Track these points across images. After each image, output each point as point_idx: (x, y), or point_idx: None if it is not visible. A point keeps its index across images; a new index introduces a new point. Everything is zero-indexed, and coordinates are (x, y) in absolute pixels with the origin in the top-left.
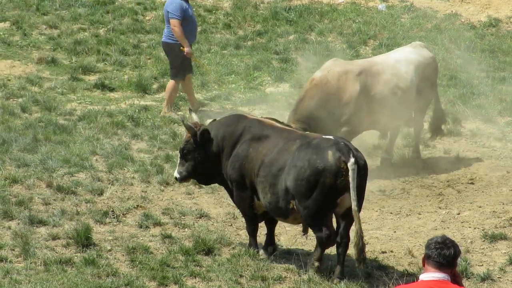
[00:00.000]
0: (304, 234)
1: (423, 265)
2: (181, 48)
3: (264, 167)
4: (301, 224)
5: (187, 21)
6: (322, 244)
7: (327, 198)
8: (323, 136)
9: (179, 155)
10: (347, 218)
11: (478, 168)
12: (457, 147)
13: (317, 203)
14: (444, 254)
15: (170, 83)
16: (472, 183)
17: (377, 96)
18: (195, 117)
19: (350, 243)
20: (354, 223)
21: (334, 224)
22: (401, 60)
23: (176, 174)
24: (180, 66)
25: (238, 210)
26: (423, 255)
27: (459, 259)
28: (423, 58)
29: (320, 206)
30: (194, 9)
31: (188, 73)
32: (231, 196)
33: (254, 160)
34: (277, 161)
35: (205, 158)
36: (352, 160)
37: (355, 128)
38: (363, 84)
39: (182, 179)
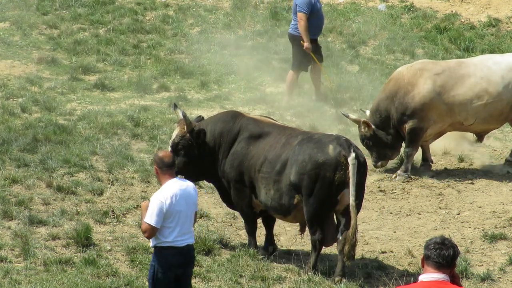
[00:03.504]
0: (300, 234)
1: (422, 266)
2: (302, 42)
3: (267, 163)
4: (298, 223)
5: (314, 15)
6: (315, 247)
7: (328, 193)
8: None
9: (171, 149)
10: (347, 215)
11: (478, 168)
12: (458, 147)
13: (319, 200)
14: (443, 254)
15: (290, 73)
16: (472, 183)
17: (458, 98)
18: (180, 113)
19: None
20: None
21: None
22: (500, 64)
23: None
24: (301, 58)
25: (231, 209)
26: (422, 256)
27: (458, 260)
28: None
29: (321, 203)
30: (194, 9)
31: (312, 64)
32: (222, 195)
33: (255, 157)
34: (280, 157)
35: (199, 154)
36: (352, 155)
37: (422, 124)
38: (440, 83)
39: None
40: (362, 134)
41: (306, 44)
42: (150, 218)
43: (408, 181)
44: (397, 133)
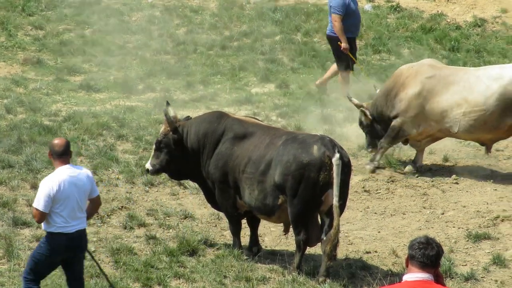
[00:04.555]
0: (285, 234)
1: (407, 266)
2: (339, 42)
3: (251, 164)
4: (282, 224)
5: (349, 15)
6: (300, 247)
7: (312, 194)
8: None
9: (154, 147)
10: (331, 215)
11: (462, 168)
12: (442, 147)
13: (303, 200)
14: (427, 254)
15: (339, 76)
16: (457, 183)
17: (440, 104)
18: (172, 111)
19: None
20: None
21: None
22: (490, 74)
23: (148, 166)
24: (344, 58)
25: (216, 209)
26: (406, 255)
27: (442, 259)
28: None
29: (306, 204)
30: (180, 9)
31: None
32: (206, 195)
33: (239, 157)
34: (264, 157)
35: (182, 154)
36: (337, 155)
37: (405, 127)
38: (428, 88)
39: (154, 171)
40: (360, 119)
41: (343, 45)
42: (38, 202)
43: (392, 181)
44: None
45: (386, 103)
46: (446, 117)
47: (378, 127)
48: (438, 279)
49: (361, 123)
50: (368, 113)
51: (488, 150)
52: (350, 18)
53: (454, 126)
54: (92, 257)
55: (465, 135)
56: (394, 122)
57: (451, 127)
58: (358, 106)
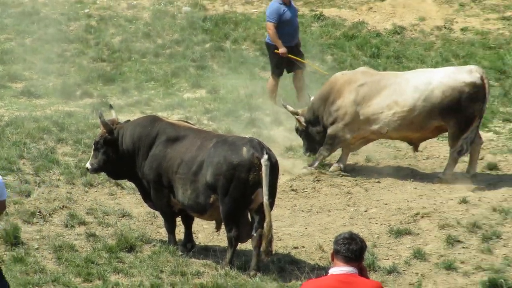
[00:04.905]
0: (217, 231)
1: (332, 260)
2: (276, 50)
3: (184, 165)
4: (214, 221)
5: (284, 24)
6: (231, 243)
7: (242, 193)
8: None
9: (92, 148)
10: (261, 213)
11: (384, 168)
12: (364, 148)
13: (234, 199)
14: (352, 249)
15: (269, 80)
16: (379, 182)
17: (372, 107)
18: (114, 114)
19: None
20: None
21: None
22: (419, 76)
23: (88, 165)
24: (275, 65)
25: (152, 208)
26: (332, 250)
27: (365, 254)
28: (453, 81)
29: (236, 202)
30: (115, 19)
31: (290, 71)
32: (143, 195)
33: (172, 159)
34: (196, 159)
35: (118, 155)
36: (265, 156)
37: (342, 133)
38: (362, 94)
39: (93, 170)
40: (296, 126)
41: (281, 50)
42: None
43: (317, 180)
44: (325, 132)
45: (324, 109)
46: (378, 119)
47: (313, 129)
48: (362, 272)
49: (297, 130)
50: (302, 120)
51: (415, 149)
52: (285, 27)
53: (385, 126)
54: None
55: (394, 134)
56: (330, 131)
57: (381, 128)
58: (293, 113)
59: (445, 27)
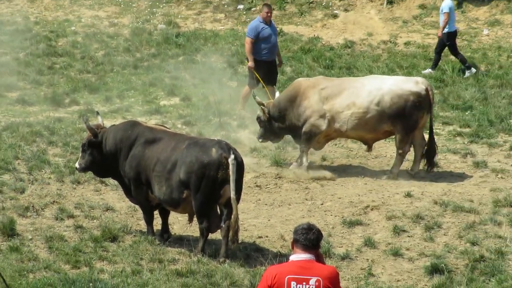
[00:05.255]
0: (189, 223)
1: (292, 248)
2: (246, 61)
3: (159, 164)
4: (187, 214)
5: (261, 40)
6: (203, 234)
7: (212, 189)
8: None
9: (80, 149)
10: (229, 207)
11: (338, 166)
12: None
13: (204, 194)
14: (309, 238)
15: (244, 89)
16: (333, 178)
17: (335, 106)
18: (100, 120)
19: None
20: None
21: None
22: (372, 82)
23: (76, 165)
24: (250, 76)
25: (133, 202)
26: (292, 239)
27: (322, 242)
28: (400, 90)
29: (207, 197)
30: (98, 36)
31: (266, 84)
32: (125, 191)
33: (150, 159)
34: (170, 158)
35: (102, 156)
36: (232, 156)
37: (315, 129)
38: (324, 95)
39: (81, 170)
40: (258, 115)
41: (249, 64)
42: None
43: (279, 177)
44: (285, 128)
45: (293, 110)
46: (339, 118)
47: (276, 125)
48: (319, 258)
49: (258, 118)
50: (266, 111)
51: (369, 148)
52: (262, 42)
53: (344, 125)
54: None
55: (352, 133)
56: (304, 129)
57: (341, 126)
58: (260, 104)
59: (390, 42)
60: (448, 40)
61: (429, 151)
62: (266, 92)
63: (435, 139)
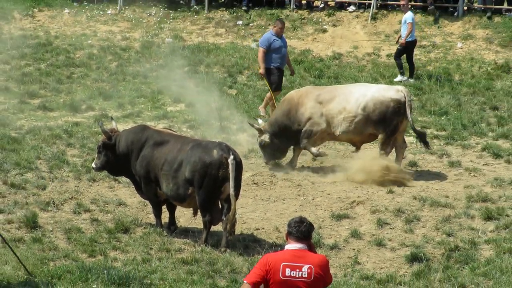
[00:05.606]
0: (194, 216)
1: (286, 239)
2: (258, 68)
3: (167, 164)
4: (192, 208)
5: (273, 50)
6: (206, 226)
7: (214, 186)
8: (211, 140)
9: (96, 151)
10: (229, 202)
11: (327, 165)
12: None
13: (207, 191)
14: (301, 230)
15: (268, 93)
16: (323, 176)
17: (329, 111)
18: (114, 124)
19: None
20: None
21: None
22: (359, 90)
23: (93, 165)
24: (274, 82)
25: (143, 198)
26: (286, 231)
27: (313, 233)
28: (382, 97)
29: (209, 193)
30: (112, 48)
31: (273, 90)
32: (136, 187)
33: (158, 159)
34: (176, 158)
35: (116, 156)
36: (231, 156)
37: (314, 128)
38: (320, 100)
39: (97, 169)
40: (261, 140)
41: (260, 70)
42: None
43: (274, 176)
44: (288, 141)
45: (291, 121)
46: (333, 122)
47: (277, 141)
48: (311, 248)
49: (261, 143)
50: (267, 133)
51: (357, 149)
52: (273, 53)
53: (337, 129)
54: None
55: (343, 136)
56: (304, 128)
57: (335, 130)
58: (258, 130)
59: (374, 54)
60: (409, 48)
61: (420, 137)
62: (272, 98)
63: (413, 141)
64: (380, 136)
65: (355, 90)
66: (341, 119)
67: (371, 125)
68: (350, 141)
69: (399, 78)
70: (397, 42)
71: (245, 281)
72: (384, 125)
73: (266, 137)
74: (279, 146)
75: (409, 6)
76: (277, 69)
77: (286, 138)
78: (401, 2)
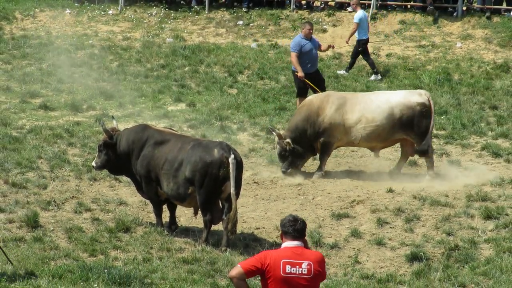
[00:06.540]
0: (194, 215)
1: (282, 239)
2: (296, 73)
3: (167, 163)
4: (192, 208)
5: (304, 54)
6: (206, 225)
7: (214, 185)
8: (211, 140)
9: (97, 150)
10: (230, 201)
11: (327, 165)
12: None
13: (207, 190)
14: (297, 228)
15: (297, 99)
16: (323, 176)
17: (349, 120)
18: (115, 123)
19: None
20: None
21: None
22: (380, 97)
23: (93, 164)
24: (298, 87)
25: (144, 197)
26: (280, 232)
27: (312, 232)
28: (408, 102)
29: (209, 192)
30: (113, 48)
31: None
32: (137, 187)
33: (159, 158)
34: (177, 158)
35: (116, 155)
36: (232, 156)
37: (330, 139)
38: (340, 108)
39: (97, 168)
40: (282, 147)
41: (299, 74)
42: None
43: (274, 175)
44: (308, 148)
45: (310, 125)
46: (352, 131)
47: (298, 147)
48: (305, 244)
49: (282, 152)
50: (288, 140)
51: (376, 154)
52: (305, 55)
53: (357, 138)
54: None
55: (364, 144)
56: (323, 140)
57: (355, 139)
58: (279, 136)
59: (373, 53)
60: (360, 47)
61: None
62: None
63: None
64: (413, 140)
65: (375, 98)
66: (360, 128)
67: (399, 131)
68: (370, 148)
69: (373, 77)
70: (347, 42)
71: (239, 265)
72: (414, 128)
73: (289, 142)
74: (300, 154)
75: (360, 4)
76: (309, 74)
77: (307, 144)
78: (351, 2)
